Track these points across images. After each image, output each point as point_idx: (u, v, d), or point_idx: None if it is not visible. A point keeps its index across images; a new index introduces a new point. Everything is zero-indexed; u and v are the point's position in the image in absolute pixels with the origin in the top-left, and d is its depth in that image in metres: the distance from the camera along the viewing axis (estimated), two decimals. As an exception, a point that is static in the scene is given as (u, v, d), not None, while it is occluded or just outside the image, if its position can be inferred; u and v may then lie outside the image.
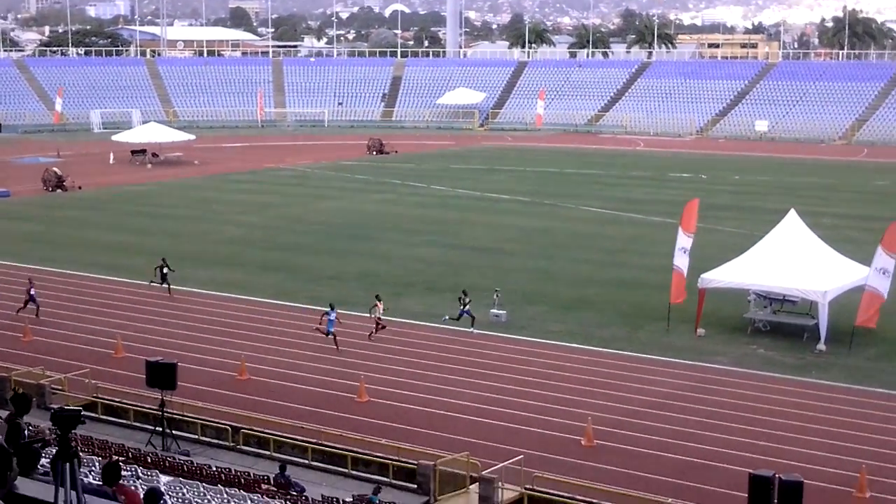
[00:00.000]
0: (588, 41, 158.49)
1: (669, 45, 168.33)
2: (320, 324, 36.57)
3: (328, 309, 36.54)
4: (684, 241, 39.85)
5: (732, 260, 40.19)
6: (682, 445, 28.14)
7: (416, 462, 25.69)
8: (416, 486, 25.36)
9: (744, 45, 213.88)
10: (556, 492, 24.57)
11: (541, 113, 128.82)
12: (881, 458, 27.17)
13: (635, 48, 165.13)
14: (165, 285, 43.67)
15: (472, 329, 38.46)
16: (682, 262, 39.67)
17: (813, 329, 37.64)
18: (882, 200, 71.81)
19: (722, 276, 39.04)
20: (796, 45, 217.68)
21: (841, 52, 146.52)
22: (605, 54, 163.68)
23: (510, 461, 25.41)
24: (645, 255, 52.66)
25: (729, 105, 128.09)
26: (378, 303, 37.81)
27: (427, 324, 39.95)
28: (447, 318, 39.39)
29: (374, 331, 37.37)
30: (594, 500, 24.05)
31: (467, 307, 38.83)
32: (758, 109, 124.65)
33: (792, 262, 38.17)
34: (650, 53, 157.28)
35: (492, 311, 39.72)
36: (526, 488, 24.73)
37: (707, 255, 43.30)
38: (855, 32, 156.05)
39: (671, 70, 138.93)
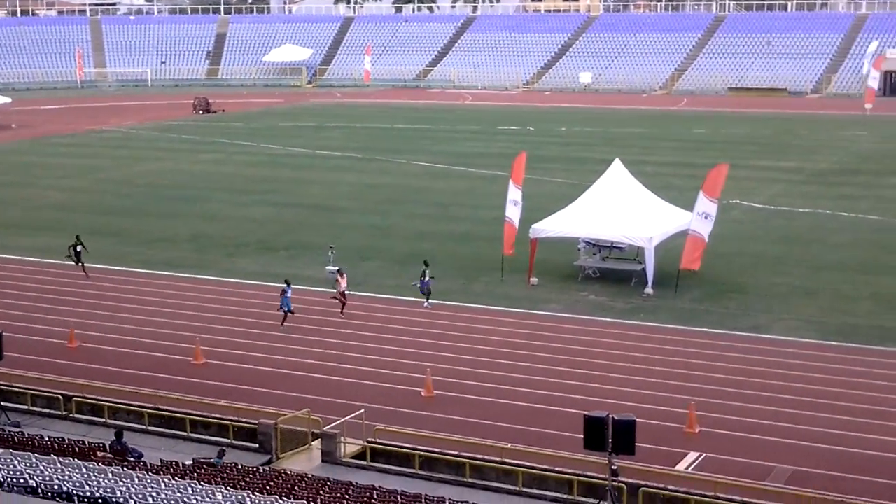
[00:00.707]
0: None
1: (494, 0, 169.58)
2: (281, 305, 34.38)
3: (284, 286, 34.40)
4: (515, 193, 40.41)
5: (561, 210, 40.97)
6: (520, 391, 28.70)
7: (256, 422, 25.53)
8: (257, 445, 25.22)
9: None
10: (397, 443, 24.79)
11: (369, 69, 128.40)
12: (708, 394, 28.27)
13: (461, 3, 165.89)
14: (80, 264, 40.85)
15: (426, 303, 36.49)
16: (513, 213, 40.24)
17: (640, 274, 38.79)
18: (701, 148, 74.27)
19: (552, 227, 39.79)
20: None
21: (659, 3, 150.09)
22: (430, 9, 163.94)
23: (351, 416, 25.50)
24: (477, 208, 53.25)
25: (553, 58, 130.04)
26: (340, 277, 35.77)
27: (262, 283, 39.57)
28: (416, 284, 37.09)
29: (341, 307, 35.43)
30: (435, 449, 24.35)
31: (427, 279, 36.61)
32: (581, 62, 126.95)
33: (618, 209, 39.15)
34: (475, 8, 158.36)
35: (327, 267, 39.56)
36: (368, 441, 24.87)
37: (537, 206, 44.03)
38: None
39: (496, 24, 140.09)
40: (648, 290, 37.77)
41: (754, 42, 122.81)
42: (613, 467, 21.00)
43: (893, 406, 27.35)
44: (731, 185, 46.21)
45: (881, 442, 25.29)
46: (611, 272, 40.18)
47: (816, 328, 34.21)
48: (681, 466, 24.13)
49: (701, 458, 24.54)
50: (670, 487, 22.32)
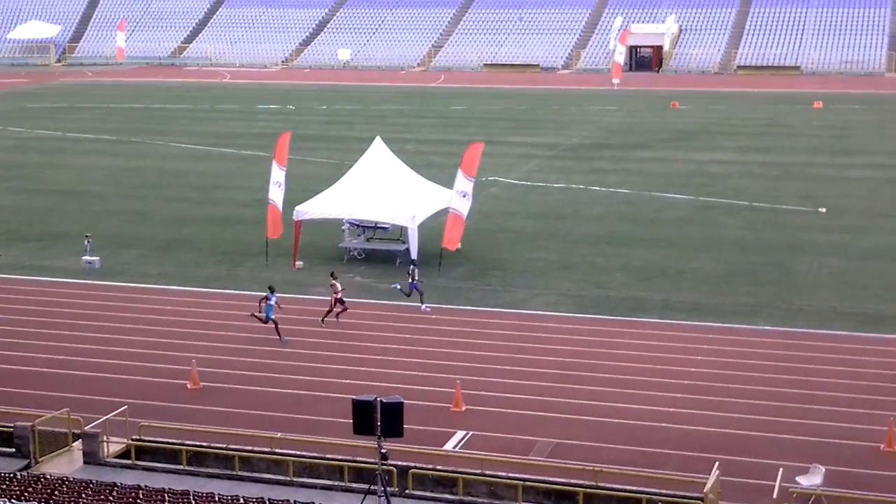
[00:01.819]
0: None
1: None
2: (259, 311, 31.64)
3: (268, 293, 31.76)
4: (278, 174, 40.06)
5: (324, 191, 40.92)
6: (288, 379, 28.58)
7: (11, 425, 24.44)
8: (14, 449, 24.17)
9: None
10: (164, 439, 24.26)
11: (122, 46, 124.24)
12: (474, 372, 28.91)
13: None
14: None
15: (422, 306, 34.35)
16: (276, 196, 39.89)
17: (405, 254, 39.20)
18: (460, 124, 75.63)
19: (315, 208, 39.69)
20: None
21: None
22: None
23: (114, 413, 24.76)
24: (239, 190, 52.57)
25: (311, 34, 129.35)
26: (334, 280, 33.27)
27: (15, 276, 37.87)
28: (397, 286, 35.21)
29: (337, 312, 32.77)
30: (203, 444, 23.97)
31: (416, 281, 34.66)
32: (339, 38, 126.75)
33: (381, 189, 39.41)
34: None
35: (84, 258, 38.26)
36: (133, 439, 24.23)
37: (300, 188, 43.85)
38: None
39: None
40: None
41: (508, 18, 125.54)
42: (383, 451, 21.19)
43: (648, 375, 28.69)
44: (489, 161, 47.38)
45: (637, 410, 26.50)
46: (376, 253, 40.45)
47: (573, 301, 35.48)
48: (449, 445, 24.62)
49: (468, 436, 25.10)
50: (439, 467, 22.73)
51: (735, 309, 34.34)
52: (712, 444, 24.51)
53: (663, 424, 25.68)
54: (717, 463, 22.07)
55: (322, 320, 32.65)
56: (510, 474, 22.28)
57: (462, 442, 24.88)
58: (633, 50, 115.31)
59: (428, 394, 27.35)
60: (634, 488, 21.54)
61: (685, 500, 20.98)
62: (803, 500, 21.42)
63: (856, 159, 60.22)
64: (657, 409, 26.55)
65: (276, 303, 31.46)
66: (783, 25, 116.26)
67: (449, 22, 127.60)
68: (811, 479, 22.02)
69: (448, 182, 40.86)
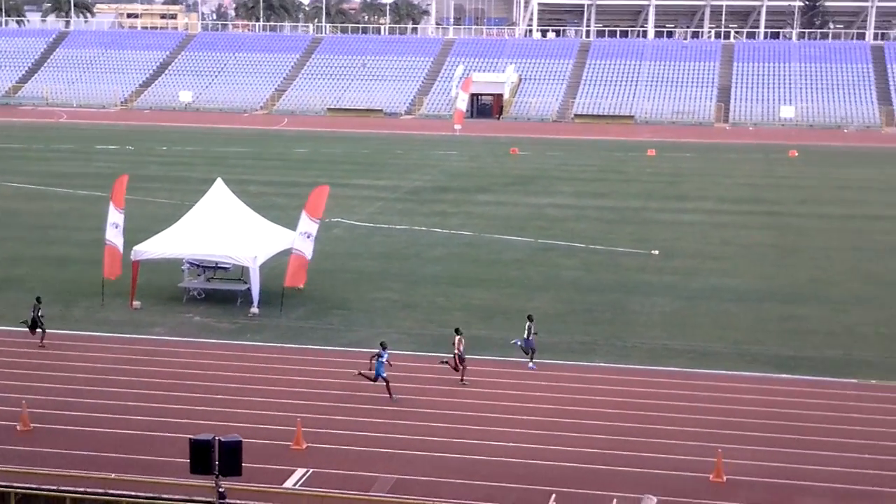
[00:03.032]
0: (1, 9, 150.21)
1: (87, 15, 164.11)
2: (370, 368, 29.96)
3: (379, 349, 29.98)
4: (115, 216, 39.25)
5: (164, 231, 40.32)
6: (124, 419, 27.96)
7: None
8: None
9: (163, 16, 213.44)
10: (-8, 482, 23.43)
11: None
12: (315, 410, 28.79)
13: (52, 17, 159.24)
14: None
15: (530, 363, 32.76)
16: (114, 236, 39.10)
17: (246, 293, 38.88)
18: (303, 167, 75.64)
19: (154, 248, 39.05)
20: (215, 17, 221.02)
21: (257, 24, 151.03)
22: (19, 22, 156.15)
23: (-61, 456, 23.82)
24: (75, 230, 51.36)
25: (152, 76, 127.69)
26: (458, 336, 31.54)
27: None
28: (518, 342, 33.23)
29: (461, 371, 31.21)
30: (33, 486, 23.23)
31: (532, 336, 32.73)
32: (181, 80, 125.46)
33: (222, 229, 39.05)
34: (68, 23, 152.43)
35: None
36: (-41, 483, 23.32)
37: (139, 227, 43.12)
38: (270, 5, 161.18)
39: (91, 40, 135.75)
40: (254, 309, 37.95)
41: (351, 64, 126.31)
42: (221, 490, 20.95)
43: (487, 411, 29.04)
44: (332, 203, 47.30)
45: (477, 445, 26.78)
46: (216, 293, 40.00)
47: (415, 340, 35.71)
48: (289, 483, 24.45)
49: (308, 474, 24.96)
50: (279, 505, 22.56)
51: (572, 347, 35.11)
52: (550, 476, 24.95)
53: (503, 459, 26.02)
54: (553, 495, 22.50)
55: (462, 380, 31.07)
56: (351, 510, 22.25)
57: (302, 479, 24.72)
58: (474, 97, 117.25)
59: (269, 432, 27.12)
60: (474, 521, 21.76)
61: (523, 531, 21.28)
62: (637, 528, 21.98)
63: (687, 204, 62.38)
64: (497, 443, 26.90)
65: (387, 360, 29.78)
66: (618, 77, 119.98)
67: (293, 66, 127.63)
68: (645, 509, 22.61)
69: (290, 223, 40.78)
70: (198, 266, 40.47)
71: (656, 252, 49.00)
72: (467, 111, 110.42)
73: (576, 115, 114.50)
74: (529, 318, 33.15)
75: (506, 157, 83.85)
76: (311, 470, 25.16)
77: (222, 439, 20.66)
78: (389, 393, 29.71)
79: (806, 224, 56.42)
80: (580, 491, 24.21)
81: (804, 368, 32.91)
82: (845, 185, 69.73)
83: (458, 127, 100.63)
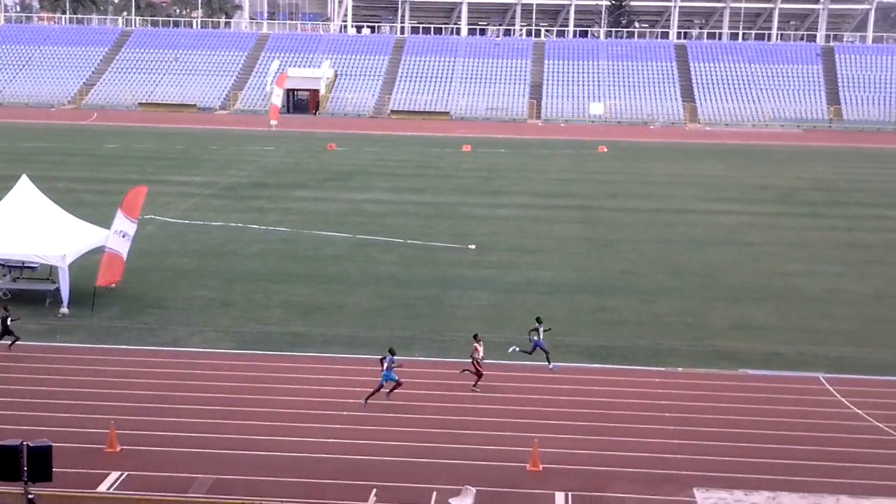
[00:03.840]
0: None
1: None
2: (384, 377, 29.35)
3: (388, 355, 29.50)
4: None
5: (-34, 230, 38.68)
6: (-75, 427, 26.72)
7: None
8: None
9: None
10: None
11: None
12: (130, 411, 28.14)
13: None
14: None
15: (550, 365, 32.56)
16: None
17: (55, 293, 37.67)
18: (115, 163, 73.65)
19: (-44, 247, 37.43)
20: (18, 9, 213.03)
21: (64, 16, 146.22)
22: None
23: None
24: None
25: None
26: (477, 344, 30.85)
27: None
28: (516, 349, 33.08)
29: (475, 379, 30.65)
30: None
31: (541, 338, 32.55)
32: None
33: (28, 228, 37.74)
34: None
35: None
36: None
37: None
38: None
39: None
40: (64, 309, 36.80)
41: (162, 58, 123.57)
42: (30, 496, 20.28)
43: (307, 408, 28.93)
44: (146, 199, 45.98)
45: (297, 443, 26.66)
46: (24, 293, 38.61)
47: (233, 338, 35.26)
48: (102, 487, 23.82)
49: (123, 477, 24.38)
50: (93, 510, 21.96)
51: (391, 341, 35.09)
52: (370, 471, 25.03)
53: (323, 455, 25.98)
54: (374, 490, 22.58)
55: (475, 385, 30.62)
56: (168, 512, 21.84)
57: (116, 483, 24.12)
58: (290, 93, 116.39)
59: (80, 436, 26.37)
60: (295, 518, 21.67)
61: (344, 527, 21.31)
62: (457, 519, 22.27)
63: (502, 199, 63.43)
64: (317, 440, 26.83)
65: (390, 364, 29.31)
66: (433, 73, 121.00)
67: (101, 60, 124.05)
68: (463, 501, 22.96)
69: (101, 221, 39.74)
70: (3, 266, 38.99)
71: (473, 246, 49.66)
72: (283, 107, 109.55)
73: (392, 111, 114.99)
74: (538, 321, 32.99)
75: (323, 152, 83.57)
76: (126, 473, 24.58)
77: (31, 444, 20.02)
78: (370, 395, 29.16)
79: (616, 218, 58.11)
80: (401, 485, 24.38)
81: (615, 358, 33.93)
82: (652, 179, 72.07)
83: (273, 122, 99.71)
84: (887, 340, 36.60)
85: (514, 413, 29.02)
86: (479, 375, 30.74)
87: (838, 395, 31.07)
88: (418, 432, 27.49)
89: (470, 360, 31.02)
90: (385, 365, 29.34)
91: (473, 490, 23.12)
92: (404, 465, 25.60)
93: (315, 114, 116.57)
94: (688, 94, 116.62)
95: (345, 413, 28.69)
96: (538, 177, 72.61)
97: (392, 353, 29.68)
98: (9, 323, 33.15)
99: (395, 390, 29.37)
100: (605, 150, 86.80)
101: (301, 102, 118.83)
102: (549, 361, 32.74)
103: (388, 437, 27.12)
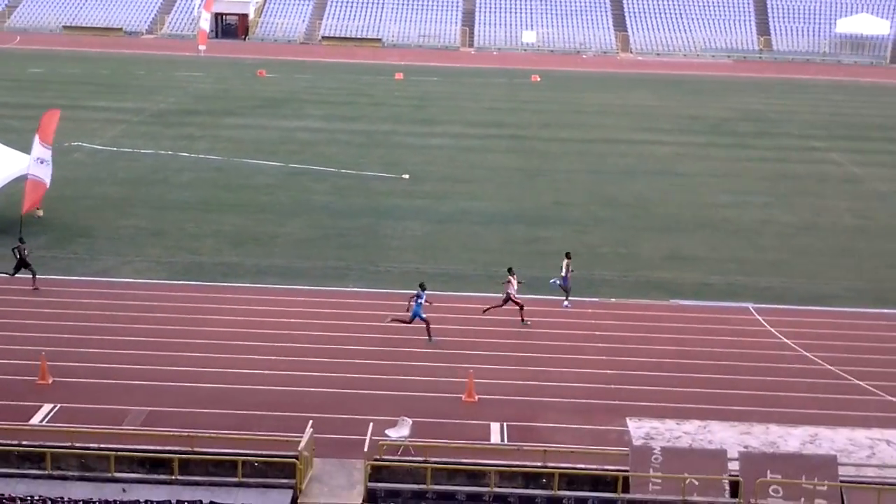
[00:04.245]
0: None
1: None
2: (406, 310, 29.20)
3: (418, 290, 29.29)
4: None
5: None
6: None
7: None
8: None
9: None
10: None
11: None
12: (61, 343, 27.81)
13: None
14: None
15: (564, 301, 32.69)
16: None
17: (-20, 223, 36.95)
18: (39, 88, 72.03)
19: None
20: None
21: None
22: None
23: None
24: None
25: None
26: (511, 277, 30.89)
27: None
28: (556, 282, 32.90)
29: (521, 312, 30.77)
30: None
31: (568, 275, 32.67)
32: None
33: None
34: None
35: None
36: None
37: None
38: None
39: None
40: (-11, 239, 36.10)
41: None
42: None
43: (242, 339, 28.79)
44: (72, 126, 45.59)
45: (232, 374, 26.56)
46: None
47: (165, 268, 34.90)
48: (35, 420, 23.57)
49: (56, 409, 24.14)
50: (25, 442, 21.70)
51: (325, 272, 35.15)
52: (307, 403, 25.04)
53: (258, 387, 25.91)
54: (311, 422, 22.56)
55: (523, 321, 30.79)
56: (101, 445, 21.65)
57: (50, 415, 23.88)
58: (219, 17, 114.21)
59: (11, 368, 26.05)
60: (229, 451, 21.59)
61: (280, 460, 21.30)
62: (393, 451, 22.37)
63: (435, 128, 63.12)
64: (252, 371, 26.75)
65: (425, 300, 29.17)
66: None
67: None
68: (400, 431, 23.05)
69: (27, 147, 38.82)
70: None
71: (406, 176, 49.46)
72: (211, 31, 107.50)
73: (323, 38, 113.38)
74: (567, 256, 33.13)
75: (253, 79, 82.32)
76: (59, 405, 24.35)
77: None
78: (429, 335, 29.10)
79: (549, 147, 58.14)
80: (337, 416, 24.44)
81: (548, 289, 34.10)
82: (585, 109, 72.09)
83: (202, 48, 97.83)
84: (814, 271, 37.25)
85: (450, 344, 29.14)
86: (521, 306, 30.80)
87: (767, 325, 31.61)
88: (354, 364, 27.50)
89: (503, 296, 31.04)
90: (416, 300, 29.10)
91: (410, 421, 23.21)
92: (340, 396, 25.64)
93: (244, 39, 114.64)
94: (620, 23, 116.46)
95: (279, 344, 28.59)
96: (471, 106, 72.31)
97: (423, 287, 29.50)
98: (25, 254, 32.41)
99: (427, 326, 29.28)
100: (538, 79, 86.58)
101: (230, 27, 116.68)
102: (566, 298, 32.79)
103: (323, 369, 27.12)
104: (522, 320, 30.83)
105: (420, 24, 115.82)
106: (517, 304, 30.86)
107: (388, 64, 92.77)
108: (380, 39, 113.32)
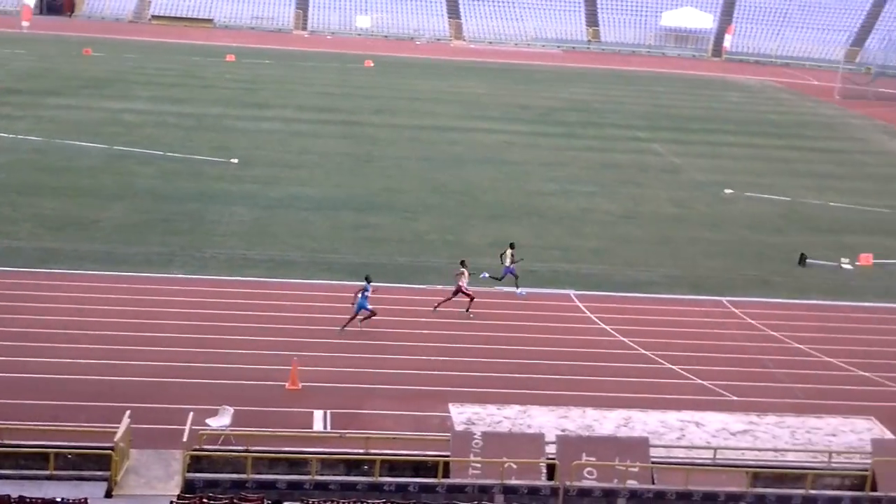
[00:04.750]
0: None
1: None
2: (353, 302, 29.19)
3: (365, 283, 29.33)
4: None
5: None
6: None
7: None
8: None
9: None
10: None
11: None
12: None
13: None
14: None
15: (518, 290, 33.23)
16: None
17: None
18: None
19: None
20: None
21: None
22: None
23: None
24: None
25: None
26: (463, 269, 31.30)
27: None
28: (486, 275, 33.35)
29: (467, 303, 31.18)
30: None
31: (514, 264, 33.24)
32: None
33: None
34: None
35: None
36: None
37: None
38: None
39: None
40: None
41: None
42: None
43: (59, 327, 28.02)
44: None
45: (46, 364, 25.83)
46: None
47: (-22, 254, 33.70)
48: None
49: None
50: None
51: (149, 258, 34.46)
52: (125, 392, 24.54)
53: (75, 376, 25.29)
54: (128, 412, 22.12)
55: (467, 310, 31.19)
56: None
57: None
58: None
59: None
60: (42, 443, 21.03)
61: (94, 451, 20.86)
62: (213, 440, 22.17)
63: (266, 112, 62.46)
64: (68, 361, 26.08)
65: (371, 292, 29.22)
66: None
67: None
68: (220, 420, 22.86)
69: None
70: None
71: (235, 160, 48.87)
72: (36, 8, 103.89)
73: (153, 17, 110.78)
74: (511, 246, 33.79)
75: (78, 57, 79.86)
76: None
77: None
78: (361, 320, 29.22)
79: (380, 134, 58.22)
80: (157, 406, 24.05)
81: (377, 275, 34.15)
82: (417, 96, 72.40)
83: (25, 24, 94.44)
84: (633, 258, 38.37)
85: (274, 332, 28.99)
86: (471, 298, 31.09)
87: (587, 312, 32.45)
88: (174, 352, 27.09)
89: (454, 288, 31.36)
90: (363, 294, 29.04)
91: (231, 410, 23.03)
92: (160, 385, 25.23)
93: (70, 16, 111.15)
94: (454, 10, 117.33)
95: (98, 332, 27.95)
96: (303, 90, 71.83)
97: (368, 280, 29.47)
98: None
99: (369, 318, 29.36)
100: (372, 64, 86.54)
101: (55, 4, 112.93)
102: (517, 286, 33.34)
103: (144, 357, 26.62)
104: (467, 310, 31.20)
105: (253, 5, 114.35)
106: (468, 295, 31.23)
107: (220, 45, 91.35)
108: (211, 20, 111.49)
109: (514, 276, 33.57)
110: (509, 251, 33.60)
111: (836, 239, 42.61)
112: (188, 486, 20.86)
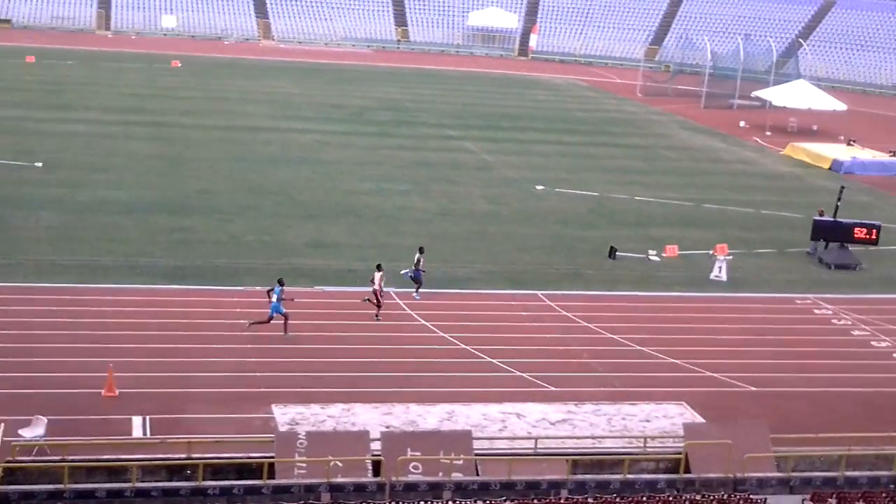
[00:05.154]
0: None
1: None
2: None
3: (276, 286, 29.14)
4: None
5: None
6: None
7: None
8: None
9: None
10: None
11: None
12: None
13: None
14: None
15: (415, 293, 33.39)
16: None
17: None
18: None
19: None
20: None
21: None
22: None
23: None
24: None
25: None
26: (377, 273, 31.27)
27: None
28: (409, 274, 33.61)
29: (376, 308, 31.31)
30: None
31: (420, 269, 33.53)
32: None
33: None
34: None
35: None
36: None
37: None
38: None
39: None
40: None
41: None
42: None
43: None
44: None
45: None
46: None
47: None
48: None
49: None
50: None
51: (-50, 267, 33.04)
52: (-70, 407, 23.49)
53: None
54: (-66, 425, 21.21)
55: (377, 316, 31.27)
56: None
57: None
58: None
59: None
60: None
61: None
62: (27, 451, 21.45)
63: (71, 114, 60.53)
64: None
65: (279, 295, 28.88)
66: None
67: None
68: (34, 431, 22.12)
69: None
70: None
71: (40, 164, 47.24)
72: None
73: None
74: (420, 250, 33.91)
75: None
76: None
77: None
78: (286, 330, 28.97)
79: (191, 135, 57.18)
80: (-35, 419, 23.06)
81: (193, 278, 33.71)
82: (227, 96, 71.35)
83: None
84: (450, 255, 38.82)
85: (88, 338, 28.20)
86: (379, 305, 31.26)
87: (407, 309, 32.73)
88: (-17, 362, 26.04)
89: (372, 290, 31.42)
90: (273, 297, 28.75)
91: (44, 420, 22.30)
92: (-32, 398, 24.22)
93: None
94: (261, 10, 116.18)
95: None
96: (109, 91, 69.88)
97: (281, 283, 29.24)
98: None
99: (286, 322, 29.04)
100: (179, 64, 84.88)
101: None
102: (416, 291, 33.55)
103: (-51, 370, 25.50)
104: (377, 315, 31.30)
105: (53, 5, 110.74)
106: (379, 301, 31.27)
107: (19, 46, 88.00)
108: (9, 21, 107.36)
109: (418, 281, 33.75)
110: (418, 255, 33.89)
111: (643, 232, 44.11)
112: (2, 500, 20.12)
